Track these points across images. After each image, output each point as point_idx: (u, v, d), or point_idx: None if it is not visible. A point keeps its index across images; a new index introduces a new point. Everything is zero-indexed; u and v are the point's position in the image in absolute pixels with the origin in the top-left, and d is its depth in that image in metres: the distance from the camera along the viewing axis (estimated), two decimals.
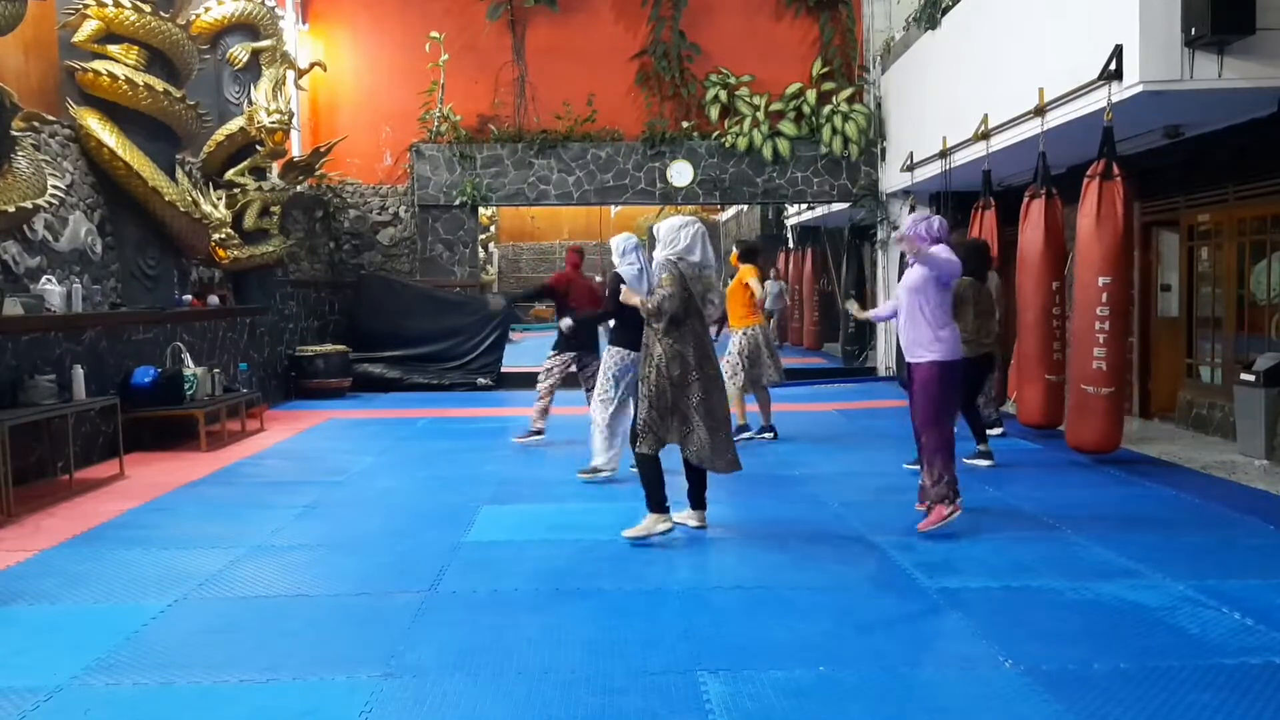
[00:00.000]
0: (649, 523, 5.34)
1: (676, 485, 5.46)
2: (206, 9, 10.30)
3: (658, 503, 5.34)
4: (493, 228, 19.44)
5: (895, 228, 12.85)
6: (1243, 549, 5.13)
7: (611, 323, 7.03)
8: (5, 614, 4.30)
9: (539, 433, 8.46)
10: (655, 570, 4.83)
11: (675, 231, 5.38)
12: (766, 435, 8.72)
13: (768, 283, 12.72)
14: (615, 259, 6.78)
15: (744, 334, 8.56)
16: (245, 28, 10.66)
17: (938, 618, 4.17)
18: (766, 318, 9.39)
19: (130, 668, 3.67)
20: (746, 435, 8.54)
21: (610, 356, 6.91)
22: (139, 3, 8.34)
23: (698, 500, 5.56)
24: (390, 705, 3.33)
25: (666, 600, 4.39)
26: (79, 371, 7.16)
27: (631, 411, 6.48)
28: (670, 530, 5.34)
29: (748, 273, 8.59)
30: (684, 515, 5.54)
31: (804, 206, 17.66)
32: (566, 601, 4.39)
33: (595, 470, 6.94)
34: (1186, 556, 4.94)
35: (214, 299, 9.99)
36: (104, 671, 3.64)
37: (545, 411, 8.43)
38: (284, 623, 4.18)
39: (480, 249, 15.70)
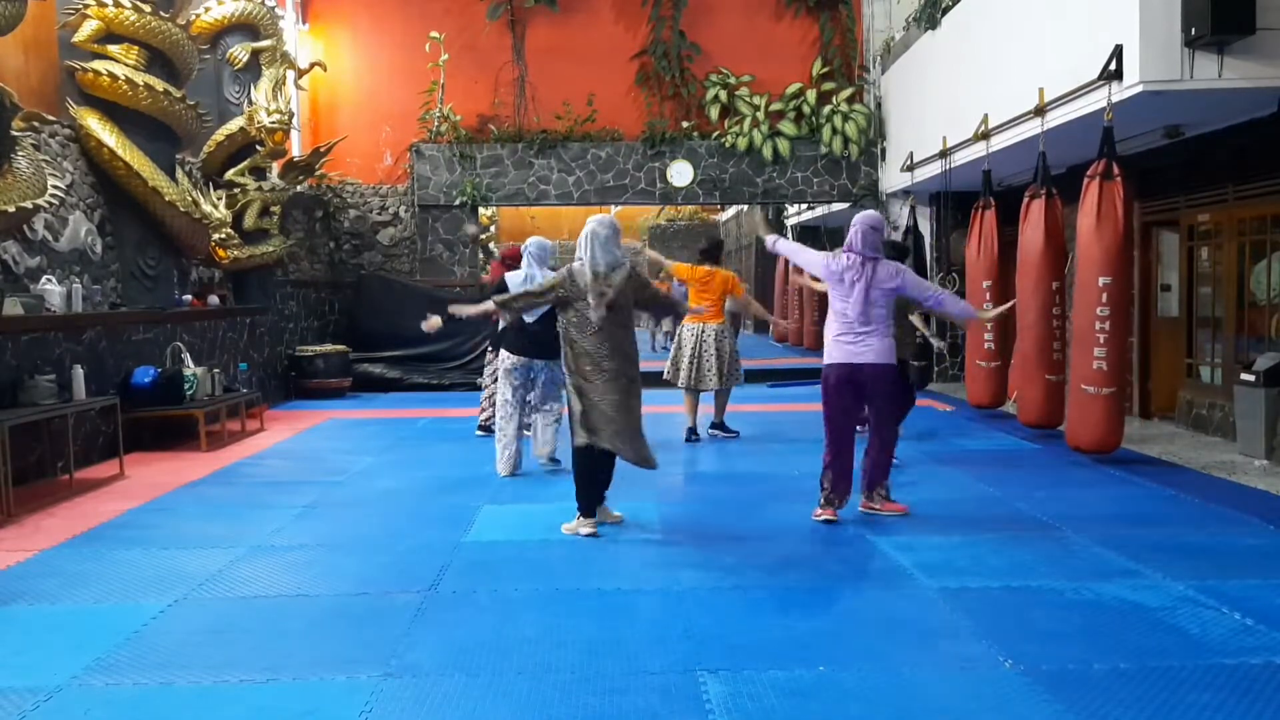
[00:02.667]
0: (575, 524, 5.54)
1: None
2: (206, 9, 10.30)
3: (584, 506, 5.51)
4: (493, 228, 19.40)
5: (895, 228, 12.86)
6: (1243, 549, 5.12)
7: (500, 326, 7.21)
8: (5, 614, 4.30)
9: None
10: (655, 570, 4.83)
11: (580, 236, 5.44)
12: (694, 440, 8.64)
13: None
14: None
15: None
16: (245, 28, 10.67)
17: (938, 618, 4.17)
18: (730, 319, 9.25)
19: (130, 668, 3.67)
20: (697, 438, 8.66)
21: (503, 362, 7.14)
22: (139, 3, 8.34)
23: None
24: (390, 705, 3.33)
25: (666, 600, 4.39)
26: (79, 371, 7.16)
27: (519, 417, 7.13)
28: (594, 535, 5.45)
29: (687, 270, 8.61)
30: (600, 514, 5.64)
31: (804, 206, 17.65)
32: (566, 601, 4.39)
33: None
34: (1186, 556, 4.94)
35: (214, 299, 9.99)
36: (104, 671, 3.64)
37: None
38: (284, 623, 4.17)
39: (480, 249, 15.65)
